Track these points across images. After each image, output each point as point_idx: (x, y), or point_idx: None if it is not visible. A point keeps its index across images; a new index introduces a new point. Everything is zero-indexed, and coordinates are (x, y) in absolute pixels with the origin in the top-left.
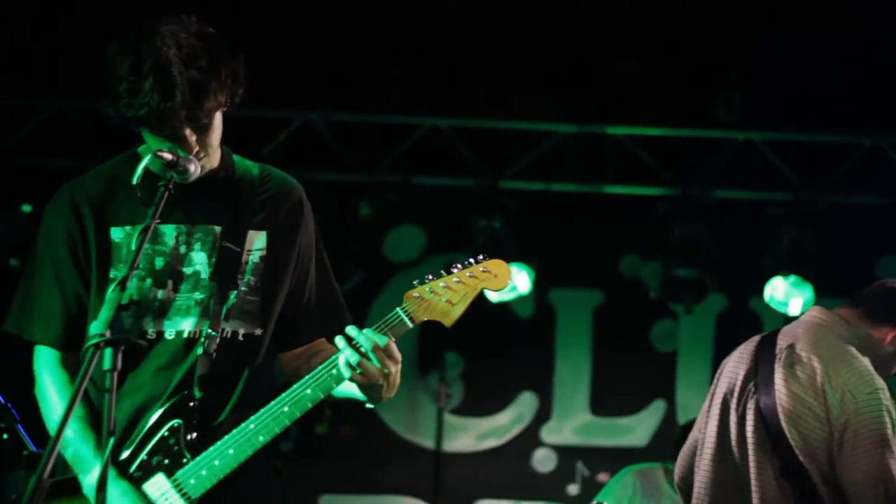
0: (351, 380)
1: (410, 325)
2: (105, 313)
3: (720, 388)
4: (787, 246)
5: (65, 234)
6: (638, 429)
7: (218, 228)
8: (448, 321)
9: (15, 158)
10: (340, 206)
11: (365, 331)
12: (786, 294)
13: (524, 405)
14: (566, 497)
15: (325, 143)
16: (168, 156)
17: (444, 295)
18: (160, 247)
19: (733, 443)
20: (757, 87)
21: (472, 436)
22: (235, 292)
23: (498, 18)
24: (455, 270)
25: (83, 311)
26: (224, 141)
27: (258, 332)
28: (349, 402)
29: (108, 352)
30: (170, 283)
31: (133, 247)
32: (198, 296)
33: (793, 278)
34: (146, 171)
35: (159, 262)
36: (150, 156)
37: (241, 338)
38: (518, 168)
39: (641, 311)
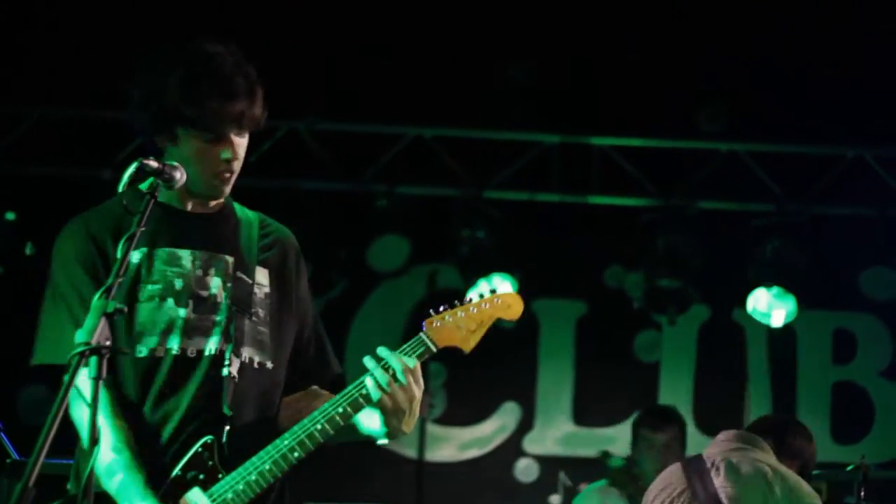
0: (378, 402)
1: (434, 349)
2: (90, 321)
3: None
4: (771, 257)
5: (85, 261)
6: (620, 439)
7: (230, 258)
8: (467, 347)
9: None
10: (324, 214)
11: (395, 352)
12: (769, 305)
13: (507, 415)
14: None
15: (309, 151)
16: (154, 164)
17: (462, 323)
18: (177, 269)
19: None
20: (741, 98)
21: (454, 445)
22: (249, 320)
23: (483, 28)
24: (472, 299)
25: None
26: None
27: (269, 364)
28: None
29: (92, 360)
30: (190, 303)
31: (143, 264)
32: (217, 318)
33: (776, 289)
34: (132, 180)
35: (178, 283)
36: (136, 164)
37: (256, 365)
38: (502, 178)
39: (624, 321)
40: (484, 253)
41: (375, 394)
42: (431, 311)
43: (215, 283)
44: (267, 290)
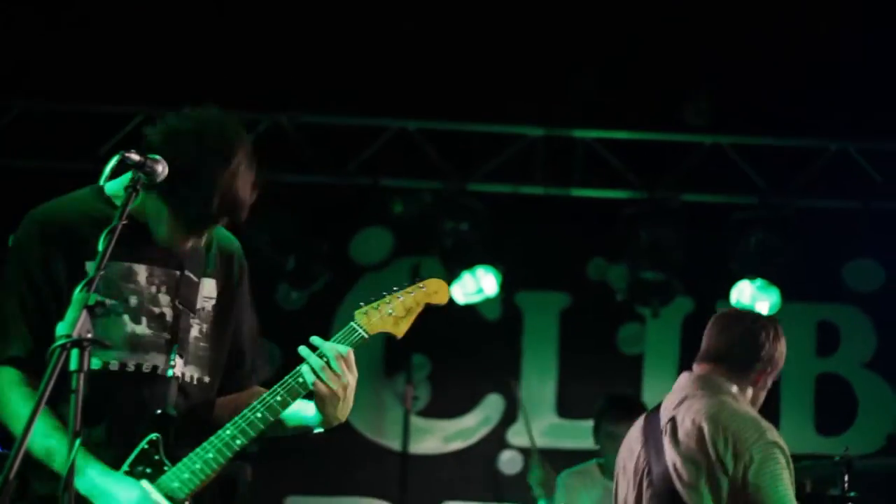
0: (314, 388)
1: (366, 335)
2: (72, 314)
3: (621, 474)
4: (754, 249)
5: (42, 261)
6: None
7: (178, 273)
8: (398, 332)
9: None
10: (308, 208)
11: (329, 341)
12: (752, 297)
13: (491, 407)
14: (532, 499)
15: (292, 145)
16: (135, 156)
17: (392, 310)
18: (133, 285)
19: None
20: (725, 91)
21: (438, 438)
22: (193, 337)
23: (466, 20)
24: (398, 289)
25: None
26: None
27: (206, 379)
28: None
29: (74, 353)
30: (144, 319)
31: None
32: (166, 336)
33: (759, 282)
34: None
35: (133, 300)
36: (118, 156)
37: (195, 382)
38: (486, 171)
39: (608, 313)
40: (467, 245)
41: (310, 378)
42: (362, 302)
43: (165, 301)
44: (213, 302)
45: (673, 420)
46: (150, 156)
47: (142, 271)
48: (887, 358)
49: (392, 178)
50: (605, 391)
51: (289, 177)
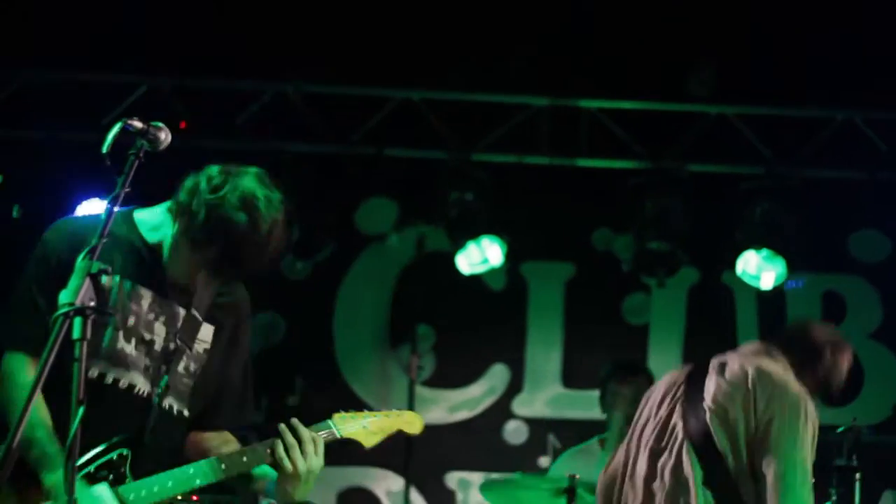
0: (280, 463)
1: (338, 435)
2: (75, 282)
3: (646, 412)
4: (760, 220)
5: (59, 265)
6: None
7: (182, 311)
8: (367, 444)
9: None
10: (312, 178)
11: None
12: (758, 268)
13: (496, 377)
14: (538, 469)
15: (297, 114)
16: (138, 124)
17: (367, 423)
18: (136, 306)
19: (662, 460)
20: (730, 61)
21: (443, 408)
22: (178, 371)
23: None
24: (380, 411)
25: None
26: (198, 112)
27: (186, 413)
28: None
29: (77, 321)
30: (133, 340)
31: (111, 291)
32: (148, 361)
33: (765, 252)
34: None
35: (131, 321)
36: (120, 124)
37: (174, 412)
38: (491, 141)
39: (613, 284)
40: (472, 215)
41: (281, 454)
42: (343, 410)
43: (160, 331)
44: (207, 346)
45: (723, 364)
46: (153, 123)
47: (147, 296)
48: (893, 328)
49: (397, 148)
50: (611, 361)
51: (293, 146)
